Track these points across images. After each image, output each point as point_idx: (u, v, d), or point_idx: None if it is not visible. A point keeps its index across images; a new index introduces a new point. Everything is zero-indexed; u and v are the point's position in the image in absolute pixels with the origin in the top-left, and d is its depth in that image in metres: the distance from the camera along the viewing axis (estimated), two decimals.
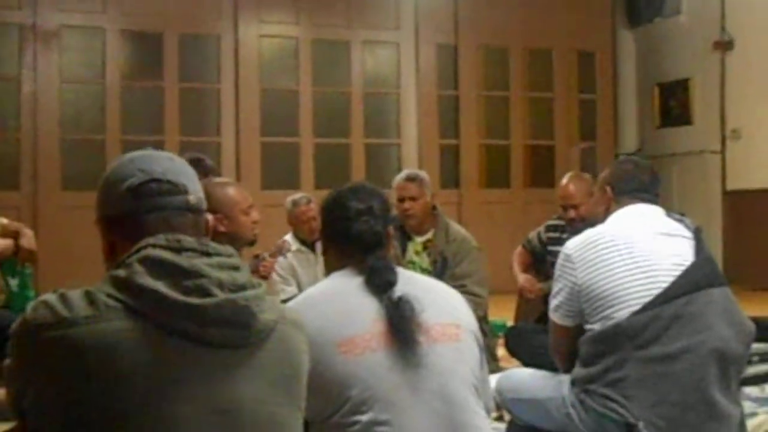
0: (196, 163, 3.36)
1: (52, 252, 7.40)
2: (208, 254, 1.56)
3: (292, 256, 5.73)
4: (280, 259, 5.53)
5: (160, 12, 8.87)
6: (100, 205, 1.69)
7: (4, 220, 4.98)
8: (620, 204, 3.11)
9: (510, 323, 5.29)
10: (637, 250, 2.88)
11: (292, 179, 9.13)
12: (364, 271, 2.28)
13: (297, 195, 6.07)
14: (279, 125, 9.29)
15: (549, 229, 5.10)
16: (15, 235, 4.73)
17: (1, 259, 4.65)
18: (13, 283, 4.67)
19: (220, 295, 1.50)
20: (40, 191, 8.35)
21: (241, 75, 9.08)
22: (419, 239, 5.03)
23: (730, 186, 9.83)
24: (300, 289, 5.42)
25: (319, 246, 5.80)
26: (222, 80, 9.08)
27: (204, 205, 1.72)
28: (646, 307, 2.74)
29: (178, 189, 1.66)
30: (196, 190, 1.70)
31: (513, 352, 4.79)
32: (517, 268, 5.13)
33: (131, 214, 1.63)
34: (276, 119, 9.28)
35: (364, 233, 2.36)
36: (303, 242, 5.82)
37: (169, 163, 1.69)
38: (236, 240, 3.18)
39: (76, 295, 1.47)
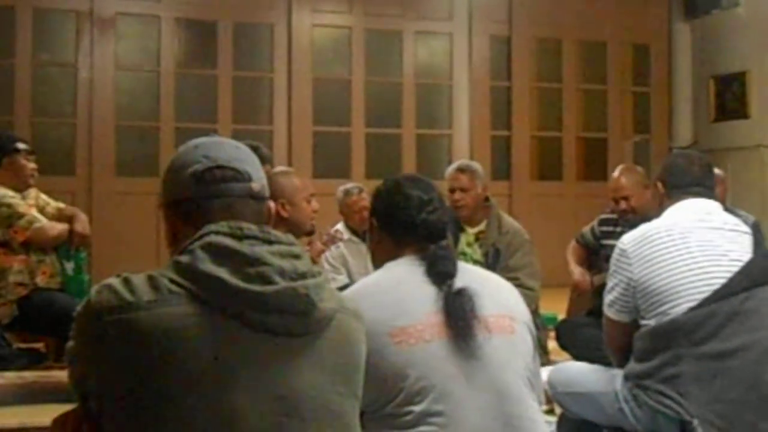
0: (253, 151, 3.38)
1: (105, 237, 7.50)
2: (269, 242, 1.57)
3: (343, 245, 5.75)
4: (332, 248, 5.55)
5: (215, 0, 8.93)
6: (164, 190, 1.71)
7: (60, 205, 5.06)
8: (673, 199, 3.07)
9: (561, 316, 5.26)
10: (693, 245, 2.85)
11: (342, 169, 9.14)
12: (425, 259, 2.27)
13: (349, 184, 6.09)
14: (331, 114, 9.30)
15: (602, 222, 5.05)
16: (70, 220, 4.80)
17: (56, 242, 4.72)
18: (69, 266, 4.74)
19: (281, 283, 1.51)
20: (94, 177, 8.44)
21: (293, 64, 9.10)
22: (471, 230, 5.01)
23: None
24: (350, 279, 5.43)
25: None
26: (275, 69, 9.10)
27: (267, 193, 1.73)
28: (702, 303, 2.71)
29: (242, 176, 1.67)
30: (259, 178, 1.71)
31: (564, 345, 4.76)
32: (572, 262, 5.09)
33: (194, 200, 1.64)
34: (328, 108, 9.29)
35: (431, 223, 2.34)
36: (354, 232, 5.83)
37: (234, 151, 1.70)
38: (296, 228, 3.19)
39: (139, 280, 1.49)
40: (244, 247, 1.53)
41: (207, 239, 1.54)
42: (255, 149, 3.76)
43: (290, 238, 1.62)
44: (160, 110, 8.72)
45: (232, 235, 1.55)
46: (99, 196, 8.38)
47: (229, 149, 1.70)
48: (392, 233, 2.41)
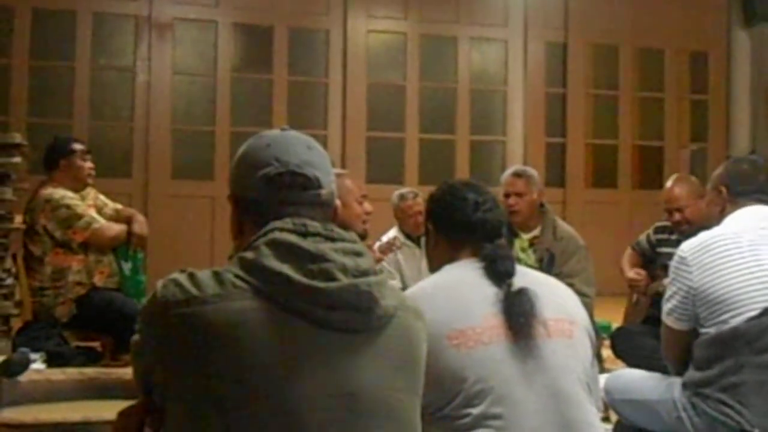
0: None
1: (160, 239, 7.57)
2: (332, 239, 1.58)
3: (397, 250, 5.75)
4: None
5: (271, 6, 9.00)
6: (233, 184, 1.72)
7: (118, 206, 5.12)
8: (736, 205, 3.02)
9: (615, 325, 5.21)
10: (754, 253, 2.80)
11: (396, 174, 9.16)
12: (484, 259, 2.27)
13: (404, 189, 6.10)
14: (385, 120, 9.32)
15: (658, 230, 4.99)
16: (128, 221, 4.86)
17: (114, 243, 4.78)
18: (126, 267, 4.80)
19: (344, 280, 1.52)
20: (151, 179, 8.54)
21: (348, 69, 9.14)
22: (526, 236, 4.98)
23: None
24: (403, 284, 5.43)
25: (424, 241, 5.81)
26: (330, 74, 9.15)
27: (334, 199, 1.73)
28: (764, 312, 2.67)
29: (312, 183, 1.67)
30: (328, 183, 1.71)
31: (619, 353, 4.71)
32: (626, 267, 5.04)
33: (263, 202, 1.65)
34: (382, 114, 9.31)
35: (487, 222, 2.35)
36: (408, 236, 5.84)
37: (306, 153, 1.70)
38: (347, 230, 3.20)
39: (204, 275, 1.50)
40: (308, 244, 1.54)
41: (271, 236, 1.55)
42: None
43: (353, 236, 1.63)
44: (216, 114, 8.80)
45: (296, 232, 1.56)
46: (155, 198, 8.48)
47: (301, 151, 1.70)
48: (448, 235, 2.42)
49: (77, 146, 4.89)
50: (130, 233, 4.79)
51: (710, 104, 10.26)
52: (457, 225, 2.39)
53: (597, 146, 9.98)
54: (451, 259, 2.38)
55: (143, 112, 8.57)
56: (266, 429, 1.46)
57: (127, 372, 3.73)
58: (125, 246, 4.79)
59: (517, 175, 4.96)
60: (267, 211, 1.63)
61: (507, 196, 4.88)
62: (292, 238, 1.54)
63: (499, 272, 2.22)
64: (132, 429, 1.65)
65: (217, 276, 1.50)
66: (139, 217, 4.93)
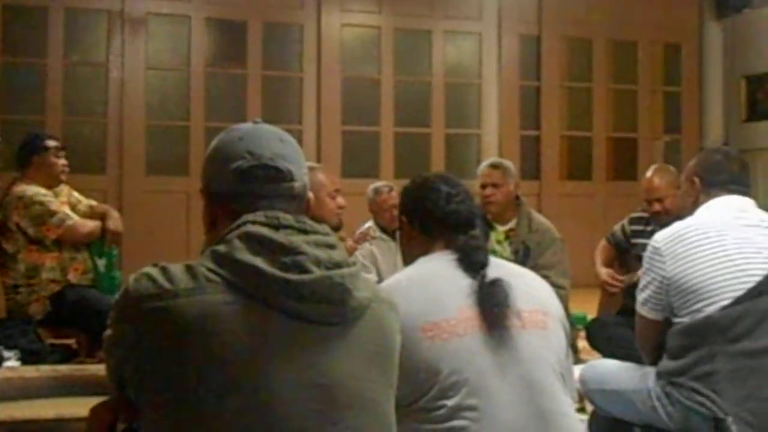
0: None
1: (135, 235, 7.52)
2: (305, 232, 1.58)
3: (374, 243, 5.76)
4: (365, 245, 5.57)
5: (245, 1, 8.96)
6: (206, 177, 1.72)
7: (92, 202, 5.10)
8: (710, 195, 3.04)
9: (590, 316, 5.24)
10: (728, 243, 2.82)
11: (372, 168, 9.15)
12: (457, 251, 2.28)
13: (379, 183, 6.10)
14: (360, 114, 9.31)
15: (633, 221, 5.02)
16: (102, 217, 4.84)
17: (89, 239, 4.76)
18: (101, 263, 4.78)
19: (317, 272, 1.52)
20: (125, 175, 8.49)
21: (323, 63, 9.12)
22: (501, 228, 5.00)
23: None
24: (379, 277, 5.43)
25: (399, 234, 5.81)
26: (304, 68, 9.13)
27: (307, 191, 1.73)
28: (737, 301, 2.69)
29: (284, 176, 1.67)
30: (301, 176, 1.71)
31: (594, 344, 4.74)
32: (599, 262, 5.07)
33: (236, 195, 1.65)
34: (357, 108, 9.30)
35: (459, 212, 2.37)
36: (384, 230, 5.84)
37: (279, 147, 1.69)
38: (320, 223, 3.20)
39: (177, 268, 1.50)
40: (281, 236, 1.54)
41: (244, 229, 1.55)
42: None
43: (325, 228, 1.63)
44: (190, 109, 8.76)
45: (269, 225, 1.56)
46: (129, 194, 8.43)
47: (273, 144, 1.70)
48: (422, 228, 2.43)
49: (51, 143, 4.86)
50: (104, 229, 4.77)
51: (683, 96, 10.32)
52: (430, 217, 2.40)
53: (571, 138, 10.01)
54: (425, 251, 2.39)
55: (117, 108, 8.52)
56: (241, 422, 1.45)
57: (101, 369, 3.70)
58: (100, 242, 4.77)
59: (494, 166, 4.99)
60: (239, 204, 1.63)
61: (483, 186, 4.91)
62: (265, 231, 1.54)
63: (472, 263, 2.23)
64: (104, 425, 1.65)
65: (190, 269, 1.49)
66: (114, 213, 4.91)
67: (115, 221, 4.83)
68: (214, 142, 1.72)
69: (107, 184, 8.40)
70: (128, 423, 1.62)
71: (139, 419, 1.54)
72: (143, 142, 8.59)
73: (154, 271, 1.50)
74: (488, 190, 4.90)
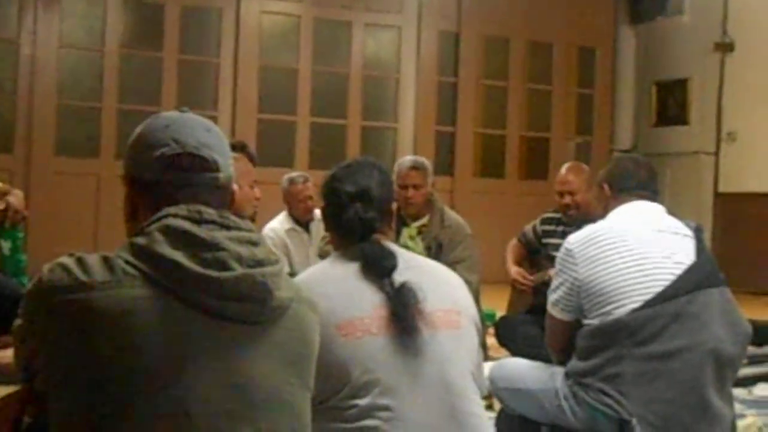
0: (241, 150, 3.39)
1: (42, 217, 7.38)
2: (228, 227, 1.55)
3: (286, 234, 5.73)
4: (271, 235, 5.52)
5: None
6: (128, 164, 1.67)
7: None
8: (619, 201, 3.09)
9: (500, 313, 5.30)
10: (638, 247, 2.87)
11: (287, 158, 9.12)
12: (363, 258, 2.24)
13: (294, 173, 6.06)
14: (276, 103, 9.26)
15: (544, 222, 5.09)
16: (3, 197, 4.70)
17: None
18: (6, 245, 4.65)
19: (239, 270, 1.49)
20: (33, 155, 8.31)
21: (240, 50, 9.04)
22: (414, 224, 5.01)
23: (723, 188, 9.85)
24: (291, 269, 5.41)
25: (313, 226, 5.80)
26: (221, 54, 9.04)
27: (232, 183, 1.70)
28: (646, 305, 2.74)
29: (210, 166, 1.64)
30: (226, 166, 1.67)
31: (503, 342, 4.80)
32: (509, 260, 5.13)
33: (159, 184, 1.61)
34: (274, 97, 9.25)
35: (354, 222, 2.28)
36: (297, 222, 5.81)
37: (205, 136, 1.66)
38: (236, 212, 3.17)
39: (94, 260, 1.46)
40: (202, 231, 1.51)
41: (165, 222, 1.51)
42: (242, 148, 3.74)
43: (249, 224, 1.60)
44: (103, 90, 8.61)
45: (191, 219, 1.52)
46: (37, 175, 8.24)
47: (199, 133, 1.66)
48: (331, 227, 2.41)
49: None
50: (7, 208, 4.64)
51: (596, 99, 10.51)
52: (333, 220, 2.36)
53: (486, 136, 10.11)
54: (339, 246, 2.37)
55: (27, 86, 8.33)
56: (155, 419, 1.42)
57: (6, 355, 3.61)
58: (1, 223, 4.64)
59: (415, 167, 4.97)
60: (163, 193, 1.59)
61: (404, 187, 4.90)
62: (186, 225, 1.50)
63: (375, 272, 2.20)
64: (10, 418, 1.60)
65: (107, 262, 1.45)
66: (17, 191, 4.77)
67: (18, 199, 4.69)
68: (138, 129, 1.68)
69: (14, 164, 8.21)
70: (35, 417, 1.57)
71: (47, 414, 1.49)
72: (53, 121, 8.43)
73: (70, 262, 1.45)
74: (410, 192, 4.90)
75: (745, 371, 4.50)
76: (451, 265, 4.63)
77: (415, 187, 4.91)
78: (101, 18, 8.64)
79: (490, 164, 10.15)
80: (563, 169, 4.86)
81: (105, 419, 1.41)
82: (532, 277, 4.94)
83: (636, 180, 3.12)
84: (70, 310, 1.42)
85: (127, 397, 1.41)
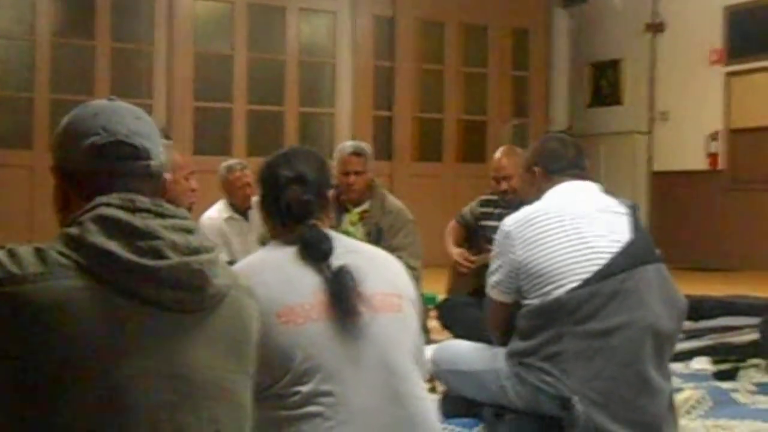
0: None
1: None
2: (162, 215, 1.53)
3: (225, 223, 5.68)
4: (208, 224, 5.47)
5: None
6: (57, 154, 1.63)
7: None
8: (552, 182, 3.11)
9: (440, 296, 5.31)
10: (575, 227, 2.90)
11: (224, 145, 9.05)
12: (300, 242, 2.24)
13: (232, 161, 6.01)
14: (212, 90, 9.19)
15: (482, 204, 5.11)
16: None
17: None
18: None
19: (174, 258, 1.47)
20: None
21: (174, 37, 8.94)
22: (355, 210, 5.00)
23: (657, 167, 10.01)
24: (231, 257, 5.37)
25: (251, 214, 5.76)
26: (155, 42, 8.94)
27: (164, 170, 1.68)
28: (585, 283, 2.77)
29: (141, 154, 1.61)
30: (158, 155, 1.65)
31: (445, 324, 4.81)
32: (449, 242, 5.14)
33: (90, 173, 1.58)
34: (209, 84, 9.18)
35: (292, 203, 2.30)
36: (236, 210, 5.77)
37: (135, 124, 1.63)
38: (175, 204, 3.14)
39: (26, 251, 1.42)
40: (136, 220, 1.48)
41: (97, 211, 1.48)
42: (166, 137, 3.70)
43: (183, 212, 1.58)
44: (35, 80, 8.47)
45: (124, 208, 1.50)
46: None
47: (130, 121, 1.63)
48: (268, 213, 2.40)
49: None
50: None
51: (531, 81, 10.59)
52: (271, 204, 2.36)
53: (423, 120, 10.14)
54: (276, 234, 2.36)
55: None
56: (92, 411, 1.40)
57: None
58: None
59: (357, 153, 4.94)
60: (94, 182, 1.57)
61: (346, 174, 4.87)
62: (120, 214, 1.48)
63: (312, 256, 2.20)
64: None
65: (40, 253, 1.42)
66: None
67: None
68: (66, 118, 1.65)
69: None
70: None
71: None
72: None
73: (1, 254, 1.42)
74: (351, 178, 4.87)
75: (682, 346, 4.57)
76: (395, 251, 4.65)
77: (356, 173, 4.88)
78: (31, 6, 8.48)
79: (428, 148, 10.18)
80: (497, 154, 4.87)
81: (39, 412, 1.39)
82: (474, 258, 4.95)
83: (566, 160, 3.14)
84: (2, 303, 1.39)
85: (64, 388, 1.39)
